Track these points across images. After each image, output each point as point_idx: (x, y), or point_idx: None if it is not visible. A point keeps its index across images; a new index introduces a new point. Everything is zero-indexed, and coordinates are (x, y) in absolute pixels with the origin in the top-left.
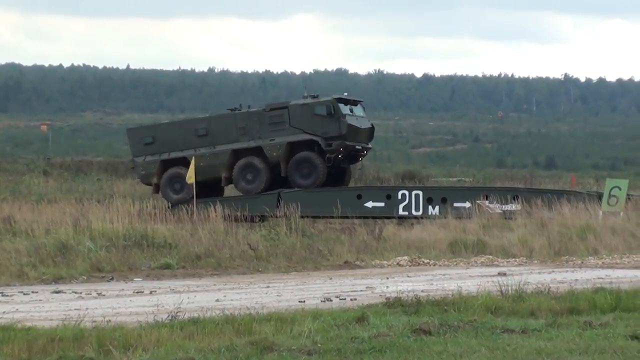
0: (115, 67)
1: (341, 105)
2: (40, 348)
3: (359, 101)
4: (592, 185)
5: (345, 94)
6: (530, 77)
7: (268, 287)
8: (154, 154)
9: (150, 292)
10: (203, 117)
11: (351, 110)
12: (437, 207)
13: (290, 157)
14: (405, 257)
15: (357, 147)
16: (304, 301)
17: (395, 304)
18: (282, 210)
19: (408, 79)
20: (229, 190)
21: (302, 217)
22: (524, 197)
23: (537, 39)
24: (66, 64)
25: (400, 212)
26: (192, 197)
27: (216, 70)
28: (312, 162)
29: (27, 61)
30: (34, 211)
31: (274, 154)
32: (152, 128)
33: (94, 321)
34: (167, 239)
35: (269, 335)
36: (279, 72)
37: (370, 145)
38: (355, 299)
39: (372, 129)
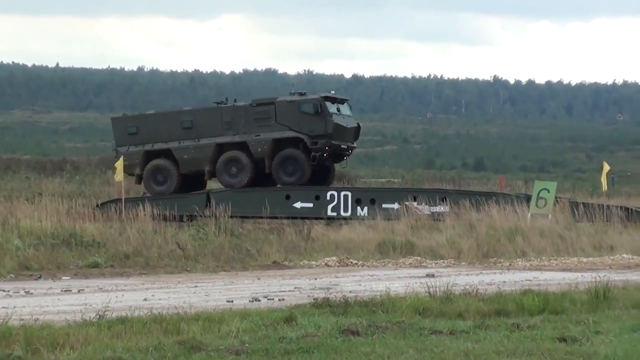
0: (44, 65)
1: (328, 104)
2: None
3: (346, 100)
4: (520, 187)
5: (333, 92)
6: (460, 79)
7: (196, 286)
8: (138, 144)
9: (79, 291)
10: (188, 109)
11: (338, 109)
12: (365, 208)
13: (275, 153)
14: (334, 258)
15: (342, 146)
16: (232, 301)
17: (323, 305)
18: (211, 210)
19: (337, 79)
20: (214, 183)
21: (231, 217)
22: (453, 199)
23: (466, 40)
24: None
25: (329, 212)
26: (175, 189)
27: (145, 69)
28: (297, 159)
29: None
30: None
31: (259, 149)
32: (136, 118)
33: (22, 320)
34: (95, 238)
35: (197, 334)
36: (208, 72)
37: (355, 145)
38: (284, 299)
39: (357, 128)
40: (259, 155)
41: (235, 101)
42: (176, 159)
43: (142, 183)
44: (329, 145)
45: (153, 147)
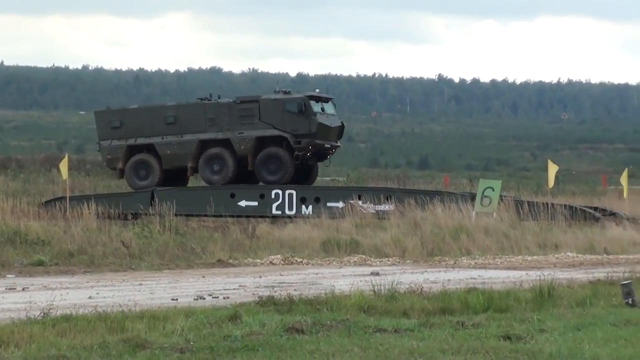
0: None
1: (312, 103)
2: None
3: (330, 98)
4: (465, 185)
5: (317, 90)
6: (404, 77)
7: (141, 284)
8: (121, 138)
9: (23, 289)
10: (172, 104)
11: (322, 108)
12: (310, 207)
13: (258, 151)
14: (279, 256)
15: (326, 145)
16: (177, 299)
17: (268, 303)
18: (156, 208)
19: (282, 78)
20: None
21: (176, 215)
22: (397, 197)
23: (411, 39)
24: None
25: (274, 211)
26: (158, 184)
27: (90, 68)
28: (280, 158)
29: None
30: None
31: (242, 147)
32: (120, 112)
33: None
34: (40, 236)
35: (142, 332)
36: (153, 70)
37: (339, 144)
38: (228, 298)
39: (342, 127)
40: (242, 152)
41: (219, 97)
42: (159, 155)
43: (124, 178)
44: (313, 144)
45: (136, 142)
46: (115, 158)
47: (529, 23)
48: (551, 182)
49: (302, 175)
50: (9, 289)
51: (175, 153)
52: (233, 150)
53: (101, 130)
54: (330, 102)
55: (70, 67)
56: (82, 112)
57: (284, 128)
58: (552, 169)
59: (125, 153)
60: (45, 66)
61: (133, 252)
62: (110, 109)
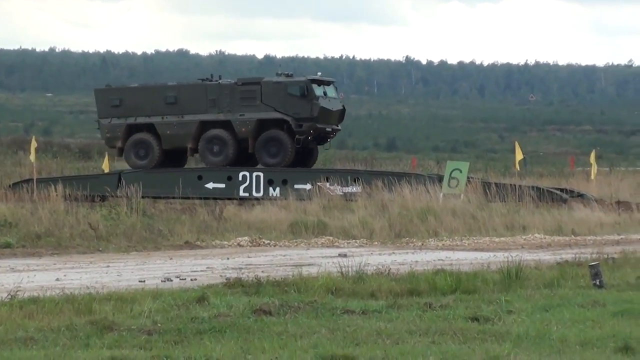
0: None
1: (315, 86)
2: None
3: (332, 81)
4: (432, 167)
5: (319, 73)
6: (372, 59)
7: (108, 266)
8: (120, 117)
9: None
10: (173, 84)
11: (324, 92)
12: (277, 189)
13: (258, 134)
14: (246, 238)
15: (327, 129)
16: (144, 281)
17: (235, 285)
18: (123, 190)
19: (250, 60)
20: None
21: (143, 197)
22: (365, 179)
23: (377, 20)
24: None
25: (241, 193)
26: (157, 164)
27: (57, 50)
28: (281, 141)
29: None
30: None
31: (243, 129)
32: (120, 90)
33: None
34: (7, 218)
35: (109, 314)
36: (120, 52)
37: (340, 127)
38: (196, 279)
39: (343, 110)
40: (243, 135)
41: (220, 78)
42: (159, 134)
43: (123, 156)
44: (314, 128)
45: (136, 121)
46: (114, 136)
47: (494, 5)
48: (517, 166)
49: (302, 159)
50: None
51: (175, 133)
52: (234, 132)
53: (101, 108)
54: (331, 85)
55: (37, 50)
56: (49, 95)
57: (285, 111)
58: (518, 154)
59: (125, 132)
60: (12, 48)
61: (100, 234)
62: (110, 86)
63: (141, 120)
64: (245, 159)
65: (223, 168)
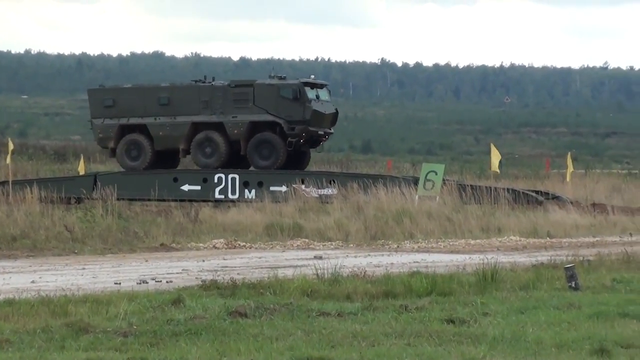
0: None
1: (307, 89)
2: None
3: (325, 84)
4: (408, 169)
5: (312, 76)
6: (347, 61)
7: (84, 268)
8: (113, 117)
9: None
10: (166, 85)
11: (317, 95)
12: (253, 191)
13: (251, 136)
14: (222, 240)
15: (319, 132)
16: (120, 283)
17: (211, 287)
18: (99, 192)
19: (225, 62)
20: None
21: (118, 199)
22: (340, 181)
23: (352, 22)
24: None
25: (217, 195)
26: (149, 165)
27: (32, 52)
28: (273, 143)
29: None
30: None
31: (235, 131)
32: (113, 91)
33: None
34: None
35: (85, 316)
36: (96, 55)
37: (332, 130)
38: (171, 282)
39: (335, 113)
40: (235, 137)
41: (213, 80)
42: (151, 135)
43: (116, 157)
44: (306, 131)
45: (128, 122)
46: (107, 137)
47: (469, 7)
48: (495, 168)
49: (294, 161)
50: None
51: (168, 134)
52: (226, 134)
53: (94, 108)
54: (324, 88)
55: (13, 52)
56: (24, 97)
57: (278, 114)
58: (495, 156)
59: (117, 132)
60: None
61: (76, 236)
62: (103, 87)
63: (134, 121)
64: (237, 161)
65: (199, 170)
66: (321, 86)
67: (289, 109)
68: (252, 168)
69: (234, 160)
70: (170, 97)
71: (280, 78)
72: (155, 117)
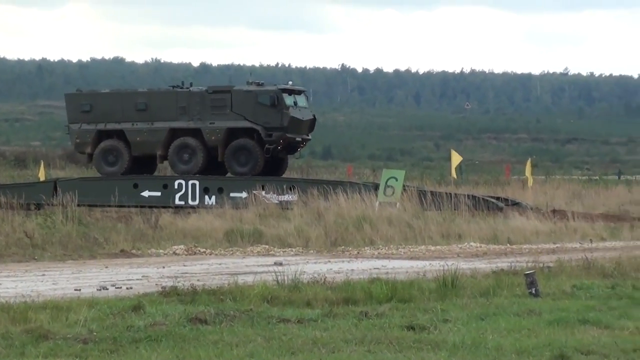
0: None
1: (285, 96)
2: None
3: (303, 90)
4: (368, 175)
5: (290, 82)
6: (307, 67)
7: (44, 275)
8: (91, 122)
9: None
10: (144, 91)
11: (295, 102)
12: (213, 197)
13: (228, 142)
14: (182, 246)
15: (297, 139)
16: (80, 289)
17: (171, 293)
18: (59, 198)
19: (185, 67)
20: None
21: (79, 205)
22: (301, 188)
23: (312, 28)
24: None
25: (177, 201)
26: (126, 171)
27: None
28: (250, 150)
29: None
30: None
31: (213, 137)
32: (91, 96)
33: None
34: None
35: (45, 323)
36: (56, 60)
37: (310, 137)
38: (131, 288)
39: (313, 120)
40: (213, 143)
41: (191, 85)
42: (129, 141)
43: (93, 163)
44: (284, 138)
45: (106, 127)
46: (84, 142)
47: (428, 12)
48: (454, 174)
49: (272, 168)
50: None
51: (145, 140)
52: (203, 140)
53: (71, 113)
54: (302, 95)
55: None
56: None
57: (255, 120)
58: (455, 161)
59: (95, 138)
60: None
61: (36, 242)
62: (81, 91)
63: (111, 126)
64: (214, 167)
65: (159, 177)
66: (299, 92)
67: (266, 115)
68: (229, 174)
69: (212, 167)
70: (148, 102)
71: (258, 84)
72: (132, 122)
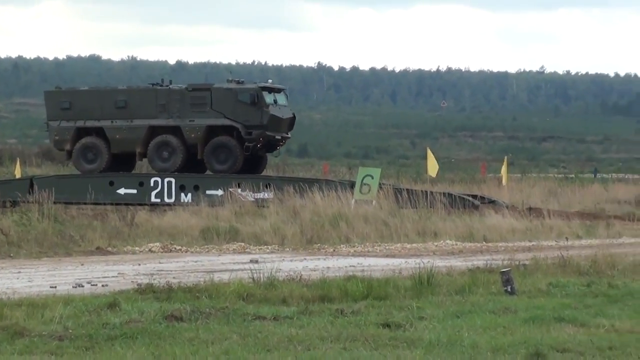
0: None
1: (265, 94)
2: None
3: (283, 89)
4: (344, 173)
5: (270, 80)
6: (283, 65)
7: (19, 272)
8: (70, 120)
9: None
10: (124, 88)
11: (275, 100)
12: (189, 195)
13: (208, 140)
14: (157, 244)
15: (276, 137)
16: (56, 287)
17: (146, 290)
18: (35, 195)
19: (162, 65)
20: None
21: (55, 203)
22: (277, 185)
23: (288, 26)
24: None
25: (153, 199)
26: (106, 168)
27: None
28: (230, 148)
29: None
30: None
31: (192, 135)
32: (70, 93)
33: None
34: None
35: (20, 320)
36: (32, 58)
37: (289, 135)
38: (107, 285)
39: (293, 118)
40: (192, 140)
41: (170, 83)
42: (108, 138)
43: (72, 160)
44: (264, 136)
45: (85, 124)
46: (63, 139)
47: (404, 11)
48: (433, 173)
49: (251, 166)
50: None
51: (125, 138)
52: (183, 138)
53: (50, 110)
54: (282, 93)
55: None
56: None
57: (235, 118)
58: (432, 160)
59: (74, 135)
60: None
61: (11, 240)
62: (60, 89)
63: (90, 123)
64: (194, 165)
65: (135, 174)
66: (279, 90)
67: (246, 113)
68: (208, 172)
69: (191, 164)
70: (128, 100)
71: (238, 82)
72: (112, 120)
